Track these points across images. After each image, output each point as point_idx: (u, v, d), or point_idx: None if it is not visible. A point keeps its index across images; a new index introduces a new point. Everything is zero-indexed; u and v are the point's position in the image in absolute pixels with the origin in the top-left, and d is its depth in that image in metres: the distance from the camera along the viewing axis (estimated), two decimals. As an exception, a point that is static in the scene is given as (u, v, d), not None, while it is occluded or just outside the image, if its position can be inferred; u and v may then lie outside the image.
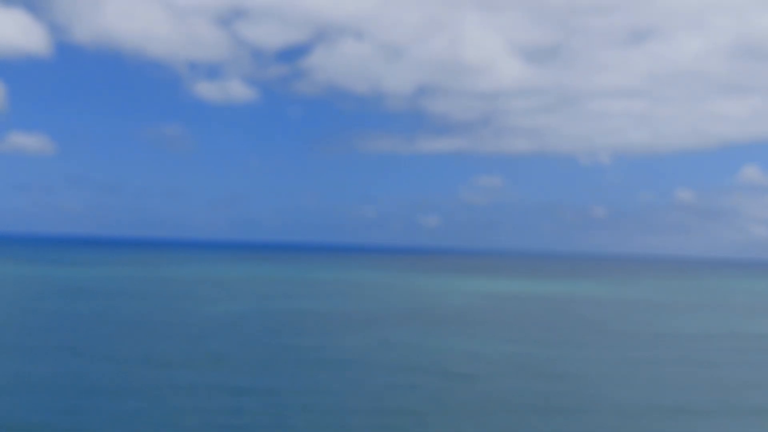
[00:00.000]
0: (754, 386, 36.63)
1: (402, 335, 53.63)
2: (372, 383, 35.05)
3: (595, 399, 32.11)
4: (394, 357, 43.27)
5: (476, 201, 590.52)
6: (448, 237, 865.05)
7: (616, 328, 61.73)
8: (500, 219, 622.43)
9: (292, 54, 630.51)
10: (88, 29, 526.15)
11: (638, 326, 64.48)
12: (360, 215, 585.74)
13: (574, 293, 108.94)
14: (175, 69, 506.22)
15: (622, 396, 32.80)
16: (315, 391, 32.71)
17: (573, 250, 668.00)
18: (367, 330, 56.26)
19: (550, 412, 29.57)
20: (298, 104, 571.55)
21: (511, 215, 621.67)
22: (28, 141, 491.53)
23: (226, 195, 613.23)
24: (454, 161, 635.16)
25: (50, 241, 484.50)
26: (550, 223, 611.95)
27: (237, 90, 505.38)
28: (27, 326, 50.71)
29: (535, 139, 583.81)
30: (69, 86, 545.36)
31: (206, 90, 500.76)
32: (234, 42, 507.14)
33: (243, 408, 29.20)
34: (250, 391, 32.42)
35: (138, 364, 38.12)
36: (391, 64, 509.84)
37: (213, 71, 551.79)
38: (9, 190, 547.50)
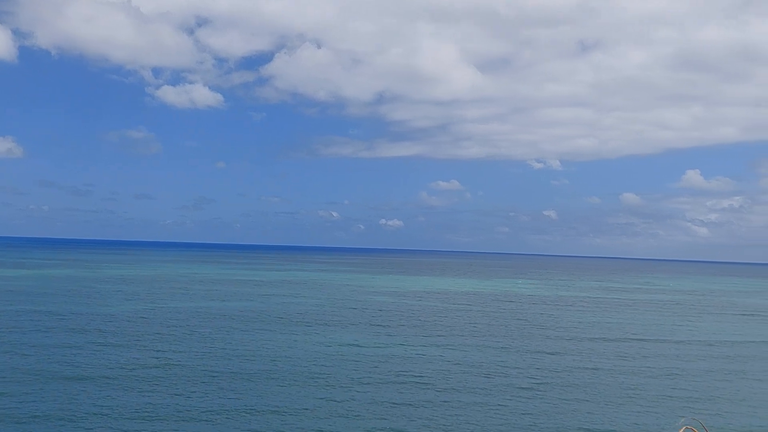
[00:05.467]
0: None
1: (352, 338, 54.94)
2: (319, 396, 35.00)
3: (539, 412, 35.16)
4: (342, 363, 43.85)
5: (435, 204, 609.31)
6: (410, 239, 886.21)
7: (551, 330, 67.69)
8: (458, 221, 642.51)
9: (254, 61, 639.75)
10: (51, 34, 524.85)
11: (571, 327, 72.12)
12: (324, 218, 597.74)
13: (521, 293, 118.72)
14: (139, 74, 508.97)
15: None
16: (264, 409, 32.18)
17: (526, 251, 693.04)
18: (316, 333, 56.99)
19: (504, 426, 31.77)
20: (261, 110, 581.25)
21: (467, 218, 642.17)
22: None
23: (194, 197, 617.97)
24: (413, 166, 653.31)
25: (15, 243, 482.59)
26: (504, 226, 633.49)
27: (201, 95, 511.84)
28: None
29: (489, 146, 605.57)
30: (34, 90, 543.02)
31: (170, 95, 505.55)
32: (197, 49, 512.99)
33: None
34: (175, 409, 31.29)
35: (42, 376, 36.71)
36: (350, 72, 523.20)
37: (177, 77, 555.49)
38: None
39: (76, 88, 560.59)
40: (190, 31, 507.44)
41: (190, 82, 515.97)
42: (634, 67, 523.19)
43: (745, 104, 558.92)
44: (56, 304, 71.95)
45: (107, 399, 33.18)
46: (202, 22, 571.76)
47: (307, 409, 32.99)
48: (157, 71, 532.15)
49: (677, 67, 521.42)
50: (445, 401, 35.45)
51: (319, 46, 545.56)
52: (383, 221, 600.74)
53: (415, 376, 40.94)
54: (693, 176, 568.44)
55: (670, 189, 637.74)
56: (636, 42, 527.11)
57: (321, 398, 34.97)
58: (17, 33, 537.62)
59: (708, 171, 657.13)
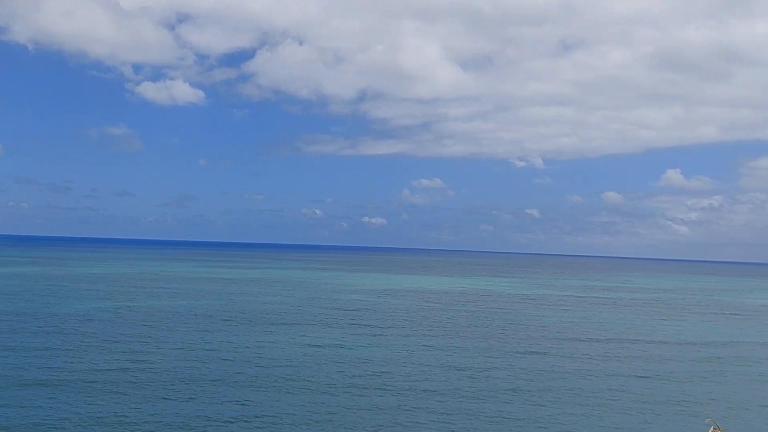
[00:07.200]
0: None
1: (333, 338, 54.67)
2: (292, 402, 33.92)
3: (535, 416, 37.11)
4: (323, 365, 42.88)
5: (418, 202, 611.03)
6: (393, 236, 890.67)
7: (534, 329, 68.80)
8: (441, 220, 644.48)
9: (236, 58, 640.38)
10: (28, 29, 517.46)
11: (553, 327, 72.45)
12: (307, 215, 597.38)
13: (504, 292, 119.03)
14: (119, 70, 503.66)
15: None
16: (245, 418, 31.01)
17: (509, 249, 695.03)
18: (297, 333, 56.43)
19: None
20: (243, 107, 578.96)
21: (450, 216, 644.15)
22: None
23: (176, 195, 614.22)
24: (396, 164, 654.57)
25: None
26: (487, 224, 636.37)
27: (183, 92, 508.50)
28: None
29: (472, 144, 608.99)
30: (12, 86, 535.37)
31: (151, 91, 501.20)
32: (178, 45, 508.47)
33: None
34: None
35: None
36: (333, 69, 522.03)
37: (157, 73, 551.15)
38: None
39: (54, 84, 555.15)
40: (171, 27, 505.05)
41: (171, 78, 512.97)
42: (616, 67, 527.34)
43: (724, 104, 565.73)
44: (31, 303, 70.67)
45: (82, 405, 32.42)
46: (183, 18, 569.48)
47: (287, 413, 32.44)
48: (137, 67, 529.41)
49: (658, 66, 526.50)
50: (427, 404, 35.05)
51: (301, 43, 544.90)
52: (366, 219, 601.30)
53: (398, 379, 40.49)
54: (673, 175, 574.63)
55: (651, 188, 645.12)
56: (617, 42, 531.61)
57: (301, 402, 34.36)
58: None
59: (688, 170, 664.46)
